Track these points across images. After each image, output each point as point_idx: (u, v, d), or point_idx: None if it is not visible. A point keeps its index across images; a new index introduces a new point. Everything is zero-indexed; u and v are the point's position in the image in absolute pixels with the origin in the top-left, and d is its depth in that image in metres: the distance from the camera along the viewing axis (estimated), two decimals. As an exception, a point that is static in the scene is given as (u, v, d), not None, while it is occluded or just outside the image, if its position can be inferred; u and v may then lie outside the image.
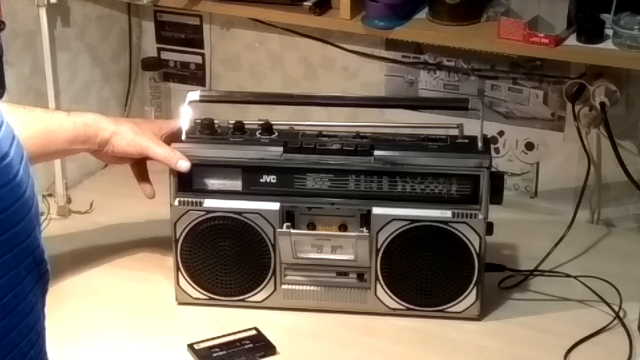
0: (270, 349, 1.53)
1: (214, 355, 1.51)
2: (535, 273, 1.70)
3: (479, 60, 1.91)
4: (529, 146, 1.94)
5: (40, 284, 0.88)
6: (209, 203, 1.58)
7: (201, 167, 1.57)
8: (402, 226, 1.55)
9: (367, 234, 1.55)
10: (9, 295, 0.82)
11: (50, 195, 1.92)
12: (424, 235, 1.55)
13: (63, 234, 1.83)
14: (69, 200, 1.94)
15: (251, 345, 1.53)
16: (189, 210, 1.58)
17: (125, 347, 1.55)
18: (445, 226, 1.54)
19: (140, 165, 1.66)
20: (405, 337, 1.57)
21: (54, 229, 1.84)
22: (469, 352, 1.54)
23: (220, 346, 1.53)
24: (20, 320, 0.85)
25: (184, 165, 1.55)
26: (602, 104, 1.77)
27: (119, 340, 1.57)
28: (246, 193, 1.58)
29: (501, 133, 1.95)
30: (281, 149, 1.56)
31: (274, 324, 1.59)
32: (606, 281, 1.65)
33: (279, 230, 1.56)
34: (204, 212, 1.58)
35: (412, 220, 1.55)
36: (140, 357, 1.54)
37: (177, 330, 1.59)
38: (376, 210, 1.55)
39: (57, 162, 1.90)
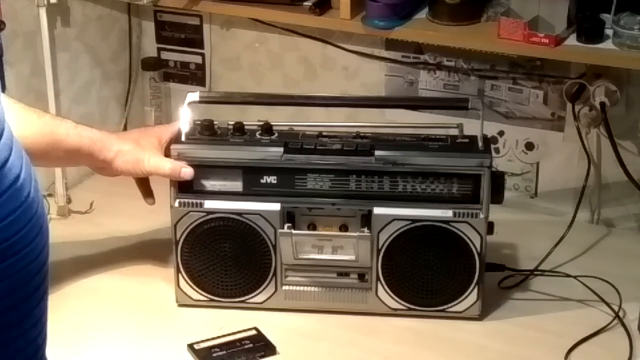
0: (270, 349, 1.53)
1: (214, 355, 1.51)
2: (535, 273, 1.70)
3: (479, 60, 1.91)
4: (529, 146, 1.94)
5: (46, 295, 0.88)
6: (210, 204, 1.58)
7: (201, 168, 1.57)
8: (403, 226, 1.55)
9: (369, 234, 1.55)
10: (10, 313, 0.82)
11: (50, 195, 1.92)
12: (425, 235, 1.55)
13: (63, 234, 1.83)
14: (69, 200, 1.94)
15: (251, 345, 1.53)
16: (189, 212, 1.58)
17: (125, 347, 1.55)
18: (447, 226, 1.54)
19: (144, 181, 1.66)
20: (405, 337, 1.57)
21: (54, 229, 1.82)
22: (469, 352, 1.54)
23: (220, 346, 1.53)
24: (19, 334, 0.84)
25: (187, 173, 1.56)
26: (602, 104, 1.77)
27: (119, 341, 1.57)
28: (247, 194, 1.58)
29: (501, 133, 1.95)
30: (282, 149, 1.56)
31: (274, 324, 1.59)
32: (606, 281, 1.66)
33: (280, 231, 1.56)
34: (205, 214, 1.58)
35: (413, 220, 1.55)
36: (140, 357, 1.54)
37: (177, 330, 1.59)
38: (377, 211, 1.55)
39: (56, 164, 1.91)
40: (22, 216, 0.81)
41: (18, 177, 0.81)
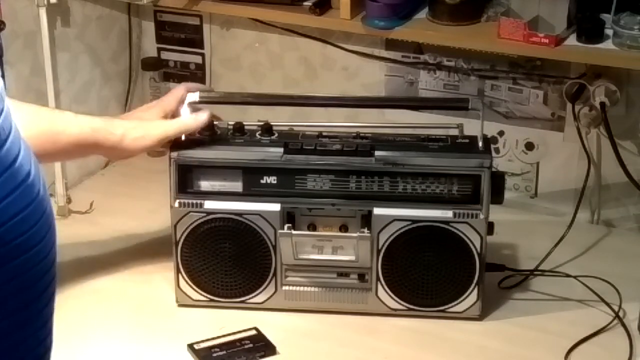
0: (270, 349, 1.53)
1: (214, 355, 1.51)
2: (535, 273, 1.70)
3: (479, 60, 1.91)
4: (529, 146, 1.94)
5: (54, 295, 0.88)
6: (210, 204, 1.58)
7: (201, 169, 1.57)
8: (404, 226, 1.55)
9: (369, 234, 1.55)
10: (21, 312, 0.82)
11: (50, 195, 1.91)
12: (425, 235, 1.55)
13: (63, 234, 1.81)
14: (69, 200, 1.94)
15: (251, 345, 1.53)
16: (189, 212, 1.58)
17: (125, 347, 1.55)
18: (447, 226, 1.54)
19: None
20: (405, 337, 1.57)
21: (54, 229, 1.83)
22: (469, 352, 1.54)
23: (220, 346, 1.53)
24: (29, 335, 0.84)
25: (202, 120, 1.56)
26: (602, 104, 1.77)
27: (119, 340, 1.57)
28: (247, 194, 1.58)
29: (501, 133, 1.95)
30: (282, 150, 1.56)
31: (274, 324, 1.59)
32: (606, 281, 1.66)
33: (280, 231, 1.56)
34: (205, 214, 1.58)
35: (414, 220, 1.55)
36: (140, 357, 1.54)
37: (177, 330, 1.59)
38: (377, 211, 1.55)
39: (57, 162, 1.90)
40: (33, 213, 0.81)
41: (29, 173, 0.81)
